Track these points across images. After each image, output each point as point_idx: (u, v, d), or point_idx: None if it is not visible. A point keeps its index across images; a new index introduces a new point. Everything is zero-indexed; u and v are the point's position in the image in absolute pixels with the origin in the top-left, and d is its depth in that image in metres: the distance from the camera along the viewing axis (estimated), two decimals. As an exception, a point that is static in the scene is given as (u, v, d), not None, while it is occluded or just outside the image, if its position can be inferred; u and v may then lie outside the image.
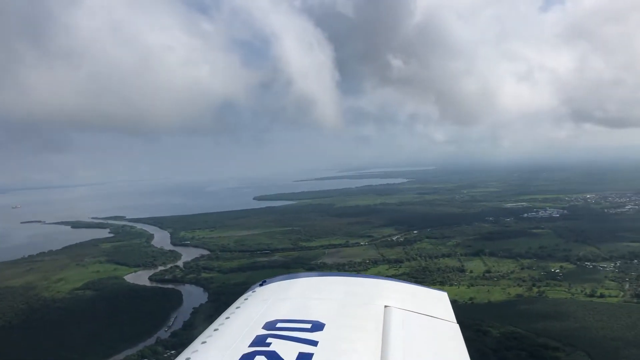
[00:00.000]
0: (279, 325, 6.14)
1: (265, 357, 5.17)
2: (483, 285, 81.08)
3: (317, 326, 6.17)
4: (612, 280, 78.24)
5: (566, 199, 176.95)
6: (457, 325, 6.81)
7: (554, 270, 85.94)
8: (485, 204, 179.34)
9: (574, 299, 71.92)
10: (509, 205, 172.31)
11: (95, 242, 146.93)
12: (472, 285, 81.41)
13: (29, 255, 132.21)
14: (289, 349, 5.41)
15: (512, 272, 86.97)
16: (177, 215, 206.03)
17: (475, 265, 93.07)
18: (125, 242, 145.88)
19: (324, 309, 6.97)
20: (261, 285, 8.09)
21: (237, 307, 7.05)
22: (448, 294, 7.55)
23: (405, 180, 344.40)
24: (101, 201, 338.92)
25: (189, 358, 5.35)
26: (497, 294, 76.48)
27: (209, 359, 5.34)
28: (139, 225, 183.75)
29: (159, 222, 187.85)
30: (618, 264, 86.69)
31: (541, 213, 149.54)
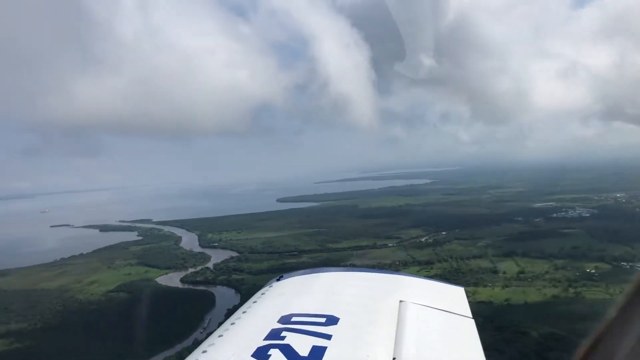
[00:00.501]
0: (294, 319, 6.16)
1: (280, 350, 5.23)
2: (517, 287, 79.91)
3: (332, 320, 6.19)
4: (651, 281, 76.64)
5: (595, 198, 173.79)
6: (473, 321, 6.88)
7: (589, 271, 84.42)
8: (513, 204, 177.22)
9: (612, 300, 70.62)
10: (537, 205, 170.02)
11: (124, 245, 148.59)
12: (506, 287, 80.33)
13: (61, 258, 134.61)
14: (303, 343, 5.45)
15: (546, 273, 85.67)
16: (203, 217, 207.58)
17: (508, 266, 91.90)
18: (154, 244, 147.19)
19: (339, 304, 6.97)
20: (278, 280, 8.15)
21: (254, 302, 7.09)
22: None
23: (429, 181, 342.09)
24: (128, 205, 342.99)
25: (206, 351, 5.43)
26: (532, 295, 75.44)
27: (225, 352, 5.36)
28: (166, 228, 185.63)
29: (185, 224, 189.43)
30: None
31: (571, 213, 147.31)
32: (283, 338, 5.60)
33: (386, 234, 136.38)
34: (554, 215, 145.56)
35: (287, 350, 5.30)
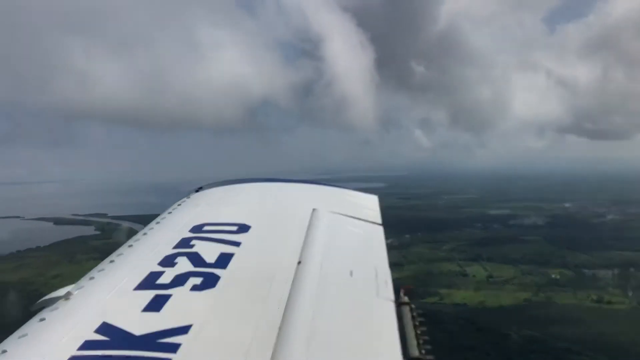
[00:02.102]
0: (205, 228, 6.13)
1: (187, 257, 5.17)
2: (489, 290, 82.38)
3: (243, 229, 6.17)
4: (615, 288, 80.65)
5: (546, 207, 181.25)
6: (382, 227, 6.83)
7: (555, 277, 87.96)
8: (469, 210, 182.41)
9: (582, 304, 73.94)
10: (492, 212, 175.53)
11: (83, 239, 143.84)
12: (478, 290, 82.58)
13: (17, 251, 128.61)
14: (211, 250, 5.42)
15: (514, 278, 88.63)
16: (157, 213, 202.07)
17: (476, 270, 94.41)
18: (114, 239, 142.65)
19: (252, 213, 6.93)
20: (197, 191, 8.03)
21: (169, 213, 6.91)
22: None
23: (383, 184, 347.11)
24: (82, 198, 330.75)
25: (113, 261, 5.15)
26: (505, 299, 77.79)
27: (132, 260, 5.17)
28: (124, 223, 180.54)
29: (142, 220, 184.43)
30: (616, 272, 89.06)
31: (526, 220, 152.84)
32: (192, 246, 5.48)
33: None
34: (511, 222, 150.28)
35: (194, 257, 5.19)
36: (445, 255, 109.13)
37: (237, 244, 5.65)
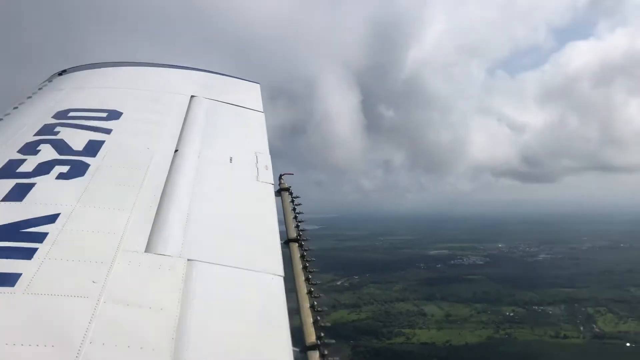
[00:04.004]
0: (71, 114, 5.98)
1: (51, 145, 5.10)
2: (451, 329, 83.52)
3: (114, 115, 6.08)
4: (566, 323, 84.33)
5: (481, 247, 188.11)
6: (263, 114, 7.35)
7: (509, 314, 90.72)
8: (408, 251, 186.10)
9: (542, 340, 76.60)
10: (431, 252, 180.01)
11: None
12: (441, 329, 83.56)
13: None
14: (78, 137, 5.39)
15: (471, 316, 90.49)
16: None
17: (433, 310, 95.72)
18: None
19: (124, 99, 6.84)
20: (60, 74, 7.61)
21: (28, 97, 6.72)
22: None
23: (316, 226, 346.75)
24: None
25: None
26: (468, 337, 79.13)
27: None
28: None
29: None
30: (563, 308, 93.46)
31: (466, 260, 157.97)
32: (56, 133, 5.41)
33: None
34: (452, 262, 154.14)
35: (59, 144, 5.16)
36: (398, 295, 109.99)
37: (107, 131, 5.57)
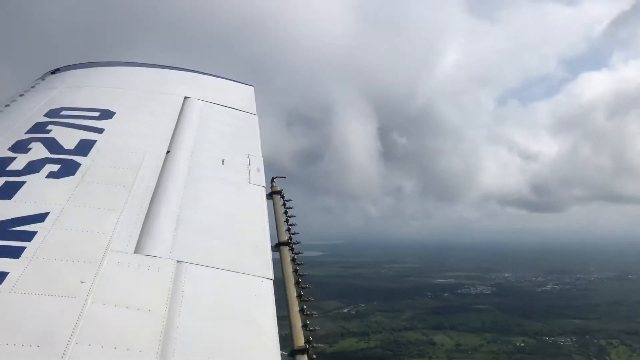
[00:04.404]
0: (63, 113, 5.92)
1: (42, 143, 5.05)
2: (462, 359, 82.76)
3: (107, 114, 6.03)
4: (579, 354, 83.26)
5: (488, 277, 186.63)
6: (256, 117, 7.30)
7: (519, 345, 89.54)
8: (413, 279, 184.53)
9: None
10: (438, 281, 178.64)
11: None
12: (451, 358, 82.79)
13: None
14: (70, 136, 5.34)
15: (481, 346, 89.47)
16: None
17: (443, 339, 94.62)
18: None
19: (117, 98, 6.77)
20: (53, 73, 7.55)
21: (20, 95, 6.63)
22: None
23: (320, 253, 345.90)
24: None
25: None
26: (482, 367, 78.48)
27: None
28: None
29: None
30: (574, 339, 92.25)
31: (473, 290, 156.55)
32: (48, 132, 5.33)
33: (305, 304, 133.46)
34: (459, 291, 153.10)
35: (50, 143, 5.09)
36: (406, 324, 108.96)
37: (99, 130, 5.55)
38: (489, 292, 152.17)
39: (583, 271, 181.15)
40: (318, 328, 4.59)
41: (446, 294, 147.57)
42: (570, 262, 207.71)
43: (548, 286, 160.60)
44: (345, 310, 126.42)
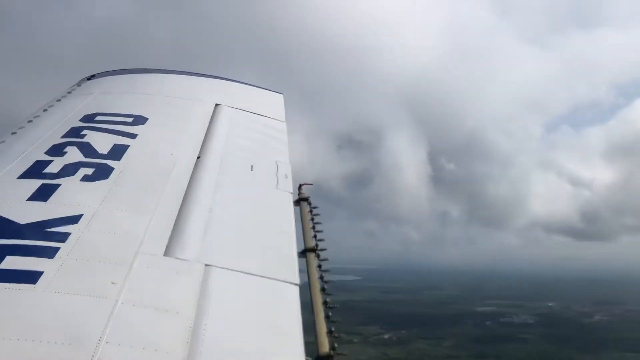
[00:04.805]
0: (98, 118, 5.96)
1: (77, 147, 5.14)
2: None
3: (139, 120, 6.04)
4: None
5: (531, 306, 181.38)
6: (285, 124, 7.22)
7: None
8: (454, 307, 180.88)
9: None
10: (479, 309, 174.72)
11: None
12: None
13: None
14: (104, 141, 5.36)
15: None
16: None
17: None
18: None
19: (150, 105, 6.77)
20: (89, 79, 7.67)
21: (57, 100, 6.69)
22: None
23: (357, 277, 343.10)
24: None
25: None
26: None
27: (15, 149, 5.15)
28: None
29: None
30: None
31: (516, 318, 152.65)
32: (83, 136, 5.38)
33: (344, 329, 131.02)
34: (502, 320, 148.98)
35: (85, 147, 5.15)
36: (449, 352, 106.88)
37: (132, 135, 5.59)
38: (532, 321, 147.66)
39: (634, 303, 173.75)
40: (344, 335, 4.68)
41: (488, 322, 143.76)
42: (620, 293, 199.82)
43: (596, 317, 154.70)
44: (386, 336, 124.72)
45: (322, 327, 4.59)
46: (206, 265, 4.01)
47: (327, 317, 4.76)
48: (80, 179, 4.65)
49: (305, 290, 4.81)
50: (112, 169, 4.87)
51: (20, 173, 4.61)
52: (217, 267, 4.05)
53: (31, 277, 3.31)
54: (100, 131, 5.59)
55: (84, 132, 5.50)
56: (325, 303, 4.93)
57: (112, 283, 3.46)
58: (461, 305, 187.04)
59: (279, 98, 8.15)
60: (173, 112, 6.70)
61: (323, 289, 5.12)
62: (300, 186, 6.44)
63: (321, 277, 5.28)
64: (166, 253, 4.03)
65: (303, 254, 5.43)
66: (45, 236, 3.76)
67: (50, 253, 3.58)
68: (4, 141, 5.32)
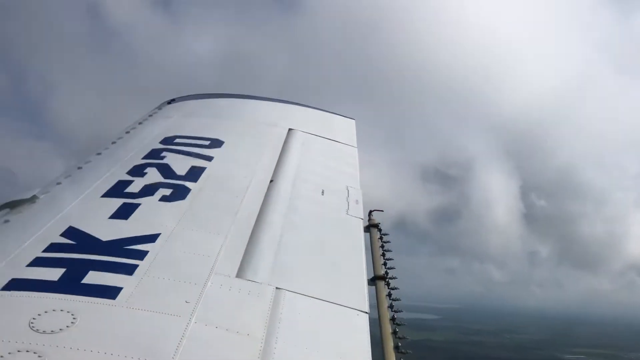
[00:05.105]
0: (177, 141, 6.15)
1: (156, 168, 5.32)
2: None
3: (216, 143, 6.25)
4: None
5: (626, 356, 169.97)
6: (356, 149, 7.37)
7: None
8: (538, 352, 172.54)
9: None
10: (567, 357, 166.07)
11: None
12: None
13: None
14: (182, 162, 5.55)
15: None
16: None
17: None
18: None
19: (226, 128, 6.98)
20: (169, 103, 7.92)
21: (139, 123, 6.91)
22: None
23: (436, 316, 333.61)
24: None
25: (81, 167, 5.46)
26: None
27: (100, 169, 5.36)
28: None
29: None
30: None
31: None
32: (162, 158, 5.61)
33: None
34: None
35: (164, 168, 5.34)
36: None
37: (209, 158, 5.83)
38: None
39: None
40: None
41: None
42: None
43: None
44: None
45: (390, 357, 4.40)
46: (277, 288, 4.05)
47: (396, 347, 4.53)
48: (158, 199, 4.83)
49: (374, 318, 4.73)
50: (189, 190, 5.05)
51: (104, 192, 4.87)
52: (287, 290, 4.07)
53: (111, 292, 3.43)
54: (178, 153, 5.80)
55: (164, 153, 5.72)
56: (394, 333, 4.70)
57: (186, 302, 3.53)
58: (547, 351, 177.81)
59: (351, 123, 8.33)
60: (248, 136, 6.93)
61: (393, 319, 4.90)
62: (370, 212, 6.42)
63: (390, 306, 5.06)
64: (238, 274, 4.10)
65: (372, 281, 5.32)
66: (125, 253, 3.91)
67: (130, 270, 3.70)
68: (90, 161, 5.63)
